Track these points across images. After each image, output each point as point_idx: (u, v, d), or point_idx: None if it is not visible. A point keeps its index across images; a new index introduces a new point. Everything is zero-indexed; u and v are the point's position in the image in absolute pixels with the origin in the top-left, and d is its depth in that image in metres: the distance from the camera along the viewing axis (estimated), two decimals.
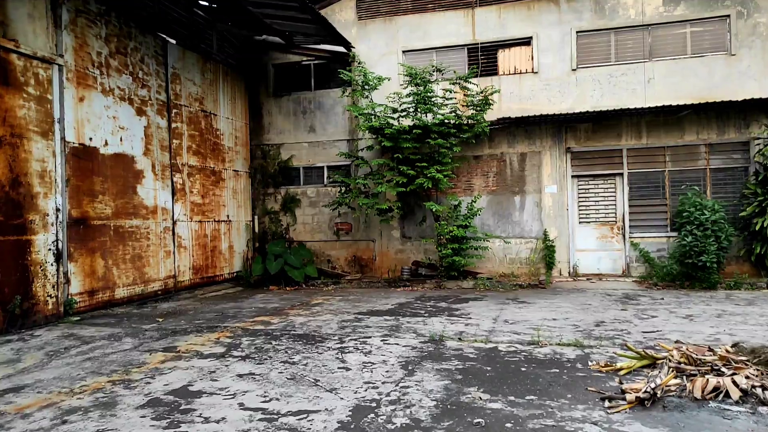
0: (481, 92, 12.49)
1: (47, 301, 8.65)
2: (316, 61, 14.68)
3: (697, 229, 11.14)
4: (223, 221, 13.84)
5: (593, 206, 13.29)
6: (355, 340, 7.26)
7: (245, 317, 9.18)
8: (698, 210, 11.25)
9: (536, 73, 13.34)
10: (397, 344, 6.96)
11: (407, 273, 13.62)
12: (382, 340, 7.19)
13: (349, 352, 6.57)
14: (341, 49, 13.97)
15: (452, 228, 12.34)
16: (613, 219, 13.14)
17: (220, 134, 13.81)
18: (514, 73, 13.51)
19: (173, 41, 12.17)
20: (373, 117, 12.23)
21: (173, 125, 12.10)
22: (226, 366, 6.06)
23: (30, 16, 8.56)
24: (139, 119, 10.99)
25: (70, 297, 8.95)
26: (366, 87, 12.42)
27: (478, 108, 12.49)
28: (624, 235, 13.00)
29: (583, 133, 13.18)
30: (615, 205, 13.12)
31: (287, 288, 13.08)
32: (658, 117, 12.64)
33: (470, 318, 8.73)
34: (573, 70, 13.10)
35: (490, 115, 12.96)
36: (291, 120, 15.00)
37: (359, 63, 12.60)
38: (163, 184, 11.66)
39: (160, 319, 9.02)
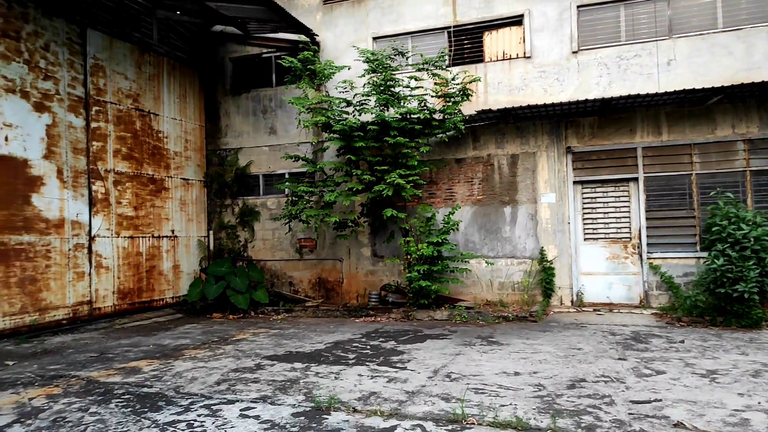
0: (456, 81, 10.25)
1: None
2: (276, 53, 12.77)
3: (731, 248, 8.51)
4: (166, 237, 12.00)
5: (601, 219, 10.74)
6: (212, 405, 5.13)
7: (122, 361, 7.19)
8: (733, 224, 8.62)
9: (529, 58, 10.99)
10: (258, 417, 4.78)
11: (375, 299, 11.39)
12: (246, 408, 5.03)
13: None
14: (302, 37, 12.01)
15: (421, 246, 10.07)
16: (627, 235, 10.56)
17: (162, 137, 12.03)
18: (503, 59, 11.20)
19: (96, 29, 10.49)
20: (321, 112, 10.13)
21: (93, 125, 10.38)
22: None
23: None
24: (38, 116, 9.29)
25: None
26: (317, 76, 10.37)
27: (453, 100, 10.25)
28: (641, 256, 10.40)
29: (587, 128, 10.70)
30: (629, 217, 10.55)
31: (231, 316, 11.06)
32: (682, 107, 10.06)
33: (405, 369, 6.45)
34: (574, 53, 10.68)
35: (471, 109, 10.69)
36: (250, 121, 13.11)
37: (314, 53, 10.56)
38: (75, 194, 9.90)
39: (10, 363, 7.13)
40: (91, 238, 10.19)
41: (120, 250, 10.81)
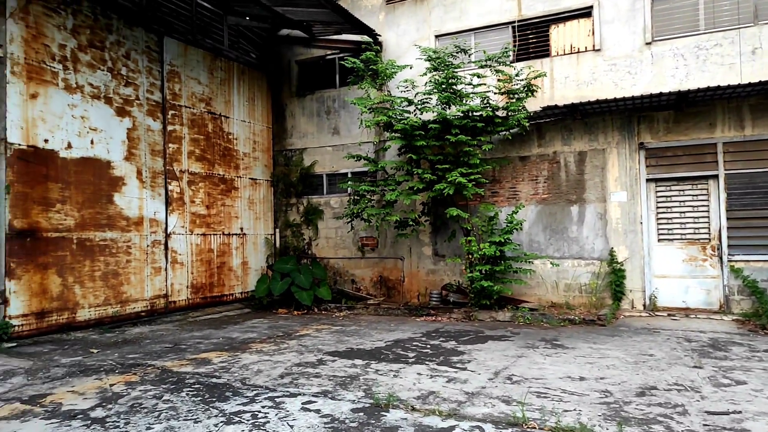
0: (521, 77, 10.01)
1: None
2: (340, 54, 12.98)
3: None
4: (235, 234, 12.49)
5: (677, 219, 10.17)
6: (276, 398, 5.31)
7: (194, 352, 7.56)
8: None
9: (598, 51, 10.57)
10: (319, 411, 4.90)
11: (436, 299, 11.34)
12: (308, 402, 5.17)
13: (235, 423, 4.63)
14: (366, 38, 12.13)
15: (483, 245, 9.92)
16: (706, 236, 9.94)
17: (232, 138, 12.54)
18: (570, 53, 10.83)
19: (172, 36, 11.08)
20: (382, 111, 10.20)
21: (170, 128, 10.97)
22: None
23: None
24: (120, 120, 9.92)
25: (5, 319, 7.88)
26: (379, 76, 10.44)
27: (517, 97, 10.03)
28: (721, 258, 9.76)
29: (661, 123, 10.16)
30: (708, 217, 9.92)
31: (296, 312, 11.37)
32: None
33: (465, 369, 6.39)
34: (647, 44, 10.17)
35: (536, 105, 10.41)
36: (314, 121, 13.41)
37: (376, 53, 10.65)
38: (153, 193, 10.50)
39: (95, 350, 7.66)
40: (167, 235, 10.78)
41: (193, 246, 11.36)
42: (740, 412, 4.79)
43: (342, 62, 10.92)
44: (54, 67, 8.76)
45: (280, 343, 8.08)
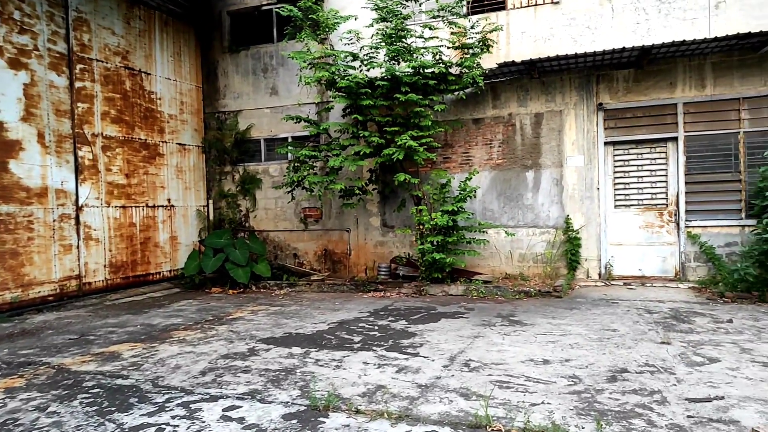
0: (476, 30, 9.16)
1: None
2: (277, 5, 11.68)
3: None
4: (162, 206, 11.23)
5: (635, 184, 9.73)
6: (192, 403, 4.38)
7: (103, 344, 6.48)
8: None
9: (557, 3, 9.81)
10: (243, 419, 4.02)
11: (384, 272, 10.58)
12: (230, 407, 4.27)
13: None
14: None
15: (435, 215, 9.17)
16: (663, 202, 9.56)
17: (155, 98, 11.13)
18: (527, 5, 10.03)
19: None
20: (324, 67, 9.11)
21: (78, 84, 9.50)
22: None
23: None
24: (14, 74, 8.43)
25: None
26: (320, 27, 9.32)
27: (472, 52, 9.18)
28: (678, 224, 9.41)
29: (621, 83, 9.60)
30: (666, 182, 9.52)
31: (230, 291, 10.35)
32: (731, 56, 8.91)
33: (417, 355, 5.65)
34: None
35: (492, 63, 9.61)
36: (250, 80, 12.13)
37: (316, 1, 9.48)
38: (59, 160, 9.11)
39: None
40: (79, 208, 9.44)
41: (111, 220, 10.06)
42: (723, 397, 4.27)
43: (278, 9, 9.69)
44: None
45: (208, 330, 7.10)
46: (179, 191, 11.67)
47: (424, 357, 5.57)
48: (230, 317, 7.92)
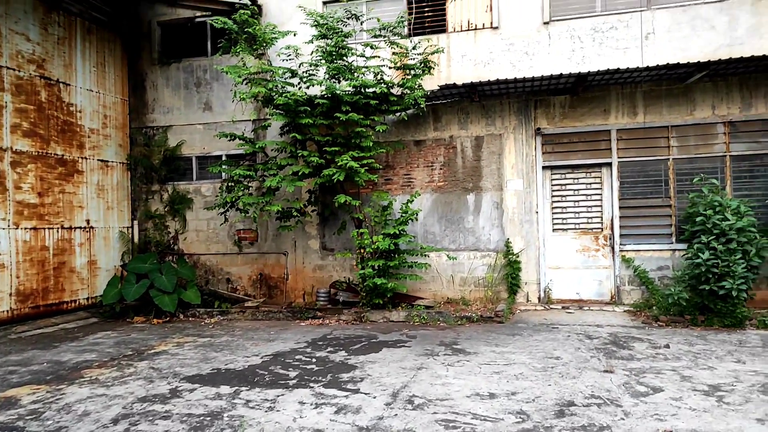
0: (417, 51, 9.04)
1: None
2: (212, 17, 11.14)
3: (716, 240, 7.74)
4: (80, 228, 10.31)
5: (572, 208, 9.86)
6: None
7: (0, 386, 5.70)
8: (717, 213, 7.85)
9: (496, 28, 9.89)
10: None
11: (324, 298, 10.14)
12: None
13: None
14: None
15: (377, 239, 8.87)
16: (599, 226, 9.72)
17: (75, 111, 10.29)
18: (468, 29, 10.05)
19: None
20: (261, 83, 8.70)
21: None
22: None
23: None
24: None
25: None
26: (257, 41, 8.92)
27: (414, 73, 9.05)
28: (613, 248, 9.58)
29: (558, 108, 9.75)
30: (601, 206, 9.70)
31: (155, 320, 9.56)
32: (660, 85, 9.25)
33: (358, 392, 5.27)
34: (545, 23, 9.65)
35: (433, 85, 9.53)
36: (181, 95, 11.49)
37: (253, 14, 9.07)
38: None
39: None
40: None
41: (19, 243, 9.10)
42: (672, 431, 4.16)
43: (212, 21, 9.22)
44: None
45: (126, 367, 6.41)
46: (100, 211, 10.79)
47: (365, 393, 5.20)
48: (152, 351, 7.23)
